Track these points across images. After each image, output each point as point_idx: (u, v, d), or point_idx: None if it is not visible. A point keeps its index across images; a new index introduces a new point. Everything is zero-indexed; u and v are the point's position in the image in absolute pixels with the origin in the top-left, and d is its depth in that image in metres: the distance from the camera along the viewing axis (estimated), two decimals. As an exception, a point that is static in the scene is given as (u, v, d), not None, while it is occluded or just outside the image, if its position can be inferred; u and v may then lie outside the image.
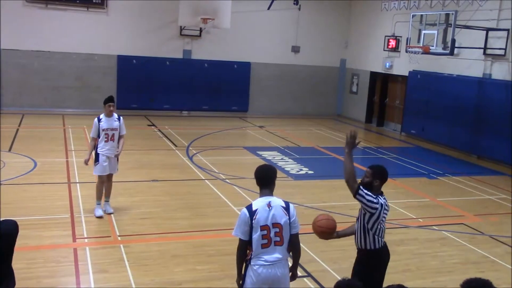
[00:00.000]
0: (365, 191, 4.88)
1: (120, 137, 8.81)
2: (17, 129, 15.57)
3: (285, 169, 12.75)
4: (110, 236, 7.91)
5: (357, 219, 5.09)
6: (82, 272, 6.63)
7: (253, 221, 4.50)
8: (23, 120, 16.95)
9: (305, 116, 22.09)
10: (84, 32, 19.15)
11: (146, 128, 17.26)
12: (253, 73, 21.82)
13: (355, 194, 4.87)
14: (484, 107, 15.46)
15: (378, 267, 5.00)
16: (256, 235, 4.50)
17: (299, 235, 4.77)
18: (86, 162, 8.77)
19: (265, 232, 4.50)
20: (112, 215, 8.72)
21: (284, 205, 4.65)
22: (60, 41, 18.95)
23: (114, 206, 9.04)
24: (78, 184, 10.30)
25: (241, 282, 4.65)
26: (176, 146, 14.63)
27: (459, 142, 16.46)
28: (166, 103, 20.69)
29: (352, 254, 7.70)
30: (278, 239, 4.55)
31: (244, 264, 4.63)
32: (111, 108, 8.69)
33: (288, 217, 4.60)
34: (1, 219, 4.03)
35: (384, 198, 5.02)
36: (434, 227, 9.25)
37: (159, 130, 16.87)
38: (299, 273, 6.98)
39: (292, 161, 13.71)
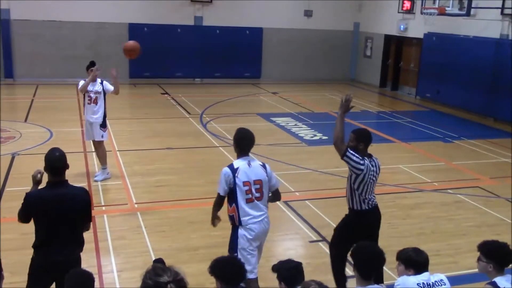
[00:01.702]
0: (352, 152, 5.00)
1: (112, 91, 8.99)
2: (32, 100, 15.69)
3: (299, 135, 12.73)
4: (127, 204, 8.03)
5: (347, 180, 5.24)
6: (101, 239, 6.76)
7: (236, 179, 4.81)
8: (37, 91, 17.06)
9: (318, 81, 21.90)
10: (95, 1, 19.01)
11: (159, 97, 17.28)
12: (265, 39, 21.59)
13: (343, 155, 5.00)
14: (501, 69, 15.16)
15: (359, 228, 5.13)
16: (239, 191, 4.81)
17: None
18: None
19: (247, 187, 4.84)
20: (128, 183, 8.82)
21: (261, 164, 5.04)
22: (71, 10, 18.85)
23: (130, 174, 9.14)
24: (93, 153, 10.39)
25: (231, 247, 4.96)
26: (189, 113, 14.65)
27: (475, 104, 16.24)
28: (179, 71, 20.62)
29: (367, 218, 7.77)
30: (258, 194, 4.89)
31: (232, 229, 4.97)
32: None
33: (266, 174, 4.97)
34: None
35: (373, 160, 5.16)
36: (449, 190, 9.23)
37: (173, 98, 16.88)
38: (313, 238, 7.07)
39: (305, 127, 13.68)
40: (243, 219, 4.84)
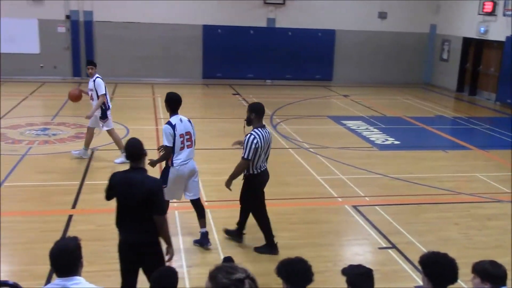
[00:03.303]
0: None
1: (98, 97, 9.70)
2: (111, 98, 16.36)
3: (370, 138, 12.50)
4: (197, 201, 8.18)
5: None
6: (171, 233, 6.91)
7: (175, 132, 6.15)
8: (116, 90, 17.79)
9: (391, 84, 21.39)
10: (170, 3, 19.60)
11: (230, 97, 17.52)
12: (337, 41, 21.37)
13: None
14: None
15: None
16: (177, 142, 6.17)
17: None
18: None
19: (181, 138, 6.21)
20: (200, 181, 8.98)
21: (188, 120, 6.38)
22: (148, 12, 19.53)
23: (200, 172, 9.29)
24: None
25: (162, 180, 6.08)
26: (259, 115, 14.72)
27: (561, 112, 15.26)
28: (250, 72, 20.83)
29: (440, 227, 7.52)
30: (189, 143, 6.32)
31: (165, 167, 6.32)
32: (89, 70, 9.78)
33: (191, 125, 6.38)
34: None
35: (264, 132, 6.16)
36: (530, 202, 8.72)
37: (244, 99, 17.07)
38: (383, 244, 6.91)
39: (377, 131, 13.40)
40: (174, 162, 6.23)
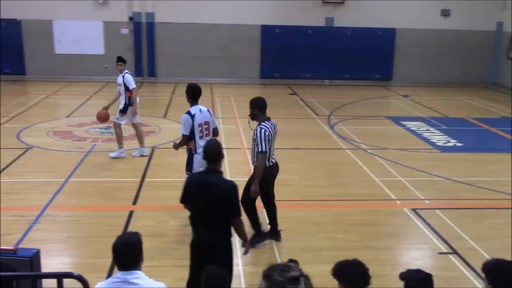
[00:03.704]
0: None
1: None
2: (171, 97, 16.76)
3: (431, 140, 12.15)
4: (253, 201, 8.23)
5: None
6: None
7: (194, 121, 6.57)
8: (176, 89, 18.18)
9: (453, 84, 20.70)
10: (230, 4, 19.81)
11: (288, 97, 17.52)
12: (398, 40, 20.92)
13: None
14: None
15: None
16: (196, 131, 6.59)
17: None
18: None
19: (200, 128, 6.64)
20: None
21: (207, 109, 6.83)
22: (208, 13, 19.83)
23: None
24: (225, 150, 10.81)
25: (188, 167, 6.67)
26: (317, 115, 14.66)
27: None
28: (308, 72, 20.74)
29: (505, 233, 7.20)
30: (207, 132, 6.73)
31: (188, 154, 6.73)
32: (118, 66, 10.08)
33: (211, 116, 6.84)
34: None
35: (271, 124, 6.33)
36: None
37: (301, 99, 17.02)
38: (443, 250, 6.71)
39: (439, 132, 13.01)
40: (197, 150, 6.54)
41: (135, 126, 10.30)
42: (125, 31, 19.93)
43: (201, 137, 6.60)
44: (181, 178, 8.92)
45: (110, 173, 9.29)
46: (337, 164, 10.27)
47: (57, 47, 19.75)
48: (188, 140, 6.62)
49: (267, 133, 6.20)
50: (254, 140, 6.28)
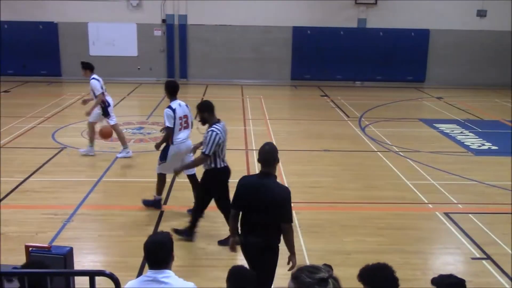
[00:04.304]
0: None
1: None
2: (202, 98, 16.88)
3: (465, 143, 11.91)
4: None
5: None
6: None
7: (175, 115, 7.15)
8: (207, 90, 18.31)
9: (489, 86, 20.24)
10: (261, 5, 19.85)
11: (319, 99, 17.43)
12: (431, 41, 20.59)
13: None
14: None
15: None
16: (177, 123, 7.18)
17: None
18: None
19: (180, 121, 7.22)
20: (285, 182, 9.05)
21: (185, 104, 7.41)
22: (240, 15, 19.93)
23: (287, 174, 9.36)
24: (254, 151, 10.85)
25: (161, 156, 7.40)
26: (348, 116, 14.55)
27: None
28: (339, 73, 20.61)
29: (541, 239, 6.99)
30: (186, 124, 7.34)
31: (165, 145, 7.33)
32: (82, 72, 10.11)
33: (188, 109, 7.37)
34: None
35: (222, 125, 6.50)
36: None
37: (332, 101, 16.92)
38: (477, 255, 6.57)
39: (473, 135, 12.75)
40: (174, 141, 7.22)
41: (90, 125, 10.26)
42: (158, 33, 20.19)
43: (180, 129, 7.23)
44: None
45: (141, 173, 9.42)
46: (368, 166, 10.16)
47: (92, 49, 20.15)
48: (171, 132, 7.16)
49: (217, 138, 6.33)
50: (203, 141, 6.46)
